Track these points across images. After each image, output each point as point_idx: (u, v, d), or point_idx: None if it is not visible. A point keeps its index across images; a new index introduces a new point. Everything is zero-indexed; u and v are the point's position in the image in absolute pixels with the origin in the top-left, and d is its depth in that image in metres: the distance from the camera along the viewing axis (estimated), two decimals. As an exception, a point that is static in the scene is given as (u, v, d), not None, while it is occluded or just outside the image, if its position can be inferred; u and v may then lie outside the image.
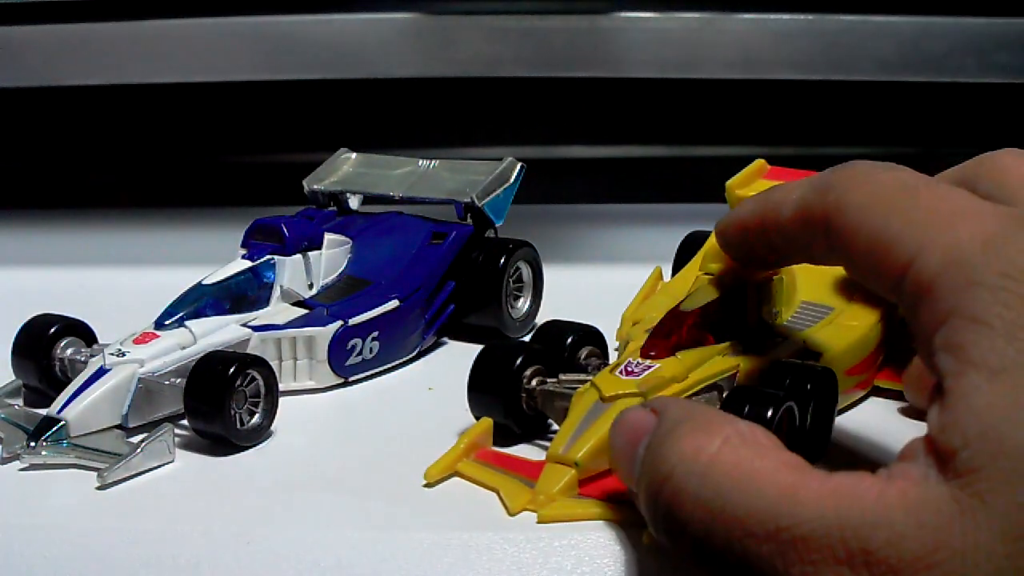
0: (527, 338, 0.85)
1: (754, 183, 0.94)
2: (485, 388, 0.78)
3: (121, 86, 1.42)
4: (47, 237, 1.34)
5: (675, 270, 0.98)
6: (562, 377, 0.78)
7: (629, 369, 0.74)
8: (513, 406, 0.77)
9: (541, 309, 1.01)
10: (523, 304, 1.00)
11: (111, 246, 1.30)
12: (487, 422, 0.76)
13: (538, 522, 0.67)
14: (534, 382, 0.77)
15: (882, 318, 0.85)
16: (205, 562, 0.66)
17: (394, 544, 0.66)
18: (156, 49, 1.39)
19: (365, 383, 0.90)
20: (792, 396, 0.71)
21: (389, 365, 0.92)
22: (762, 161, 0.94)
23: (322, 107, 1.54)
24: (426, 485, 0.72)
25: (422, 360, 0.95)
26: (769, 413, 0.68)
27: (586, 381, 0.75)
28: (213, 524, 0.69)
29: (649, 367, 0.73)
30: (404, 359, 0.93)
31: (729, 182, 0.93)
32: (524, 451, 0.77)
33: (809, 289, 0.86)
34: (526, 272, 1.00)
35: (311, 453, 0.79)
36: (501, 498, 0.70)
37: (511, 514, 0.68)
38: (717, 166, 0.98)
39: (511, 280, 0.98)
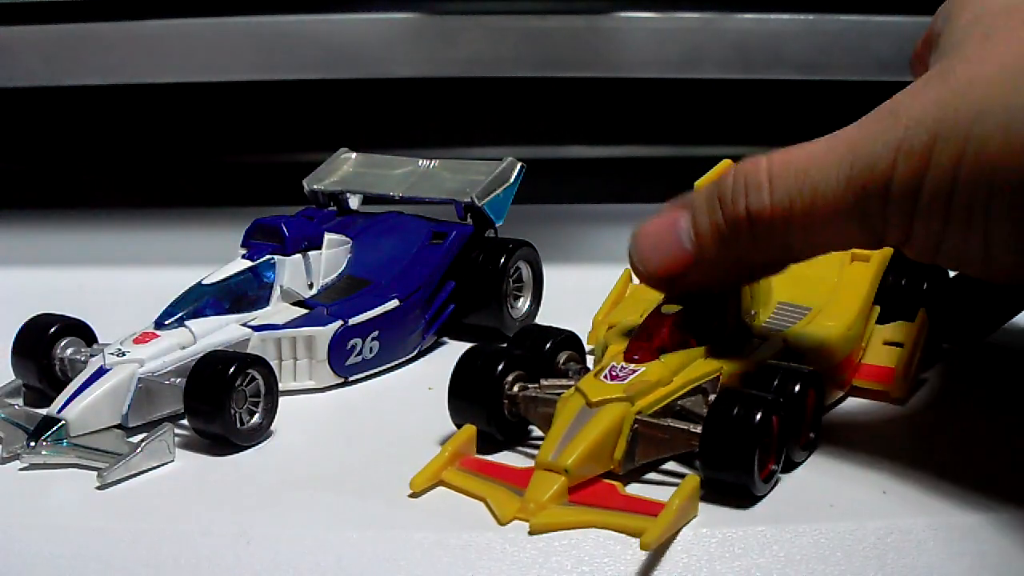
0: (504, 343, 0.84)
1: None
2: (466, 395, 0.77)
3: (121, 86, 1.42)
4: (47, 237, 1.34)
5: None
6: (544, 382, 0.77)
7: (614, 373, 0.73)
8: (495, 413, 0.76)
9: (541, 309, 1.01)
10: (523, 304, 1.00)
11: (111, 246, 1.30)
12: (471, 429, 0.75)
13: (530, 532, 0.66)
14: (516, 388, 0.76)
15: (860, 315, 0.85)
16: (205, 562, 0.66)
17: (394, 544, 0.66)
18: (156, 49, 1.39)
19: (365, 383, 0.90)
20: (781, 398, 0.71)
21: (389, 365, 0.92)
22: (729, 161, 0.95)
23: (322, 107, 1.54)
24: (411, 495, 0.71)
25: (422, 360, 0.95)
26: (759, 416, 0.68)
27: (568, 386, 0.74)
28: (213, 524, 0.69)
29: (634, 371, 0.73)
30: (404, 359, 0.93)
31: (697, 182, 0.93)
32: (506, 458, 0.76)
33: (785, 290, 0.86)
34: (526, 272, 1.00)
35: (311, 453, 0.79)
36: (490, 508, 0.69)
37: (501, 524, 0.67)
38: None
39: (511, 280, 0.98)
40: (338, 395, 0.88)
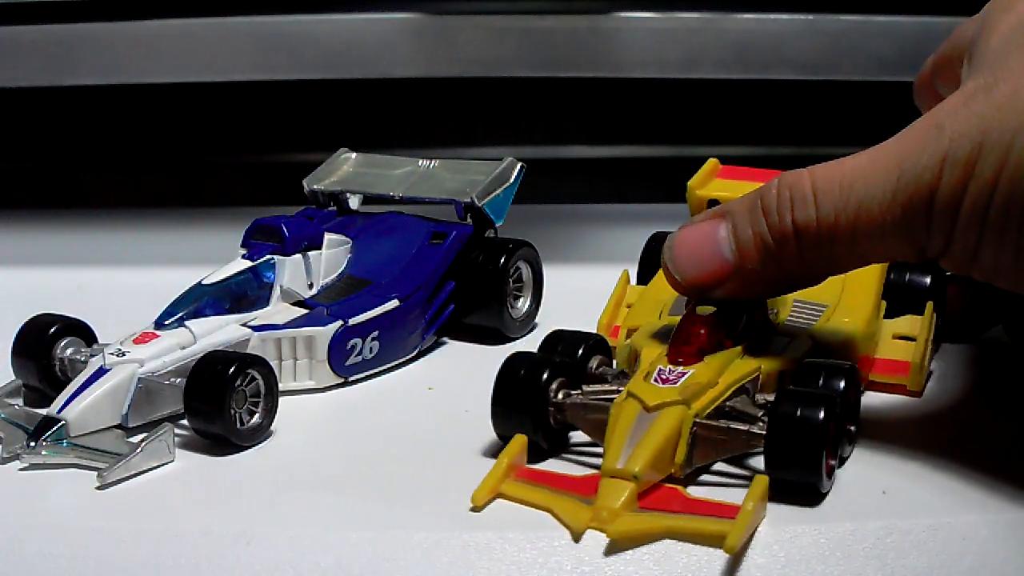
0: (528, 347, 0.83)
1: (711, 182, 0.95)
2: (511, 404, 0.75)
3: (121, 86, 1.42)
4: (47, 237, 1.34)
5: (641, 271, 0.97)
6: (586, 389, 0.76)
7: (664, 377, 0.72)
8: (541, 421, 0.75)
9: (541, 309, 1.01)
10: (523, 304, 1.00)
11: (111, 246, 1.30)
12: (522, 439, 0.73)
13: (609, 538, 0.65)
14: (560, 395, 0.75)
15: (874, 311, 0.85)
16: (205, 562, 0.66)
17: (394, 544, 0.66)
18: (156, 49, 1.39)
19: (365, 383, 0.90)
20: (834, 394, 0.71)
21: (389, 365, 0.92)
22: (715, 160, 0.95)
23: (322, 107, 1.54)
24: (473, 509, 0.70)
25: (422, 360, 0.95)
26: (822, 415, 0.68)
27: (612, 391, 0.74)
28: (213, 524, 0.69)
29: (683, 373, 0.73)
30: (404, 359, 0.93)
31: (690, 182, 0.93)
32: (550, 466, 0.75)
33: None
34: (526, 272, 1.00)
35: (311, 453, 0.79)
36: (559, 518, 0.68)
37: (576, 534, 0.66)
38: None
39: (511, 280, 0.98)
40: (338, 395, 0.88)
